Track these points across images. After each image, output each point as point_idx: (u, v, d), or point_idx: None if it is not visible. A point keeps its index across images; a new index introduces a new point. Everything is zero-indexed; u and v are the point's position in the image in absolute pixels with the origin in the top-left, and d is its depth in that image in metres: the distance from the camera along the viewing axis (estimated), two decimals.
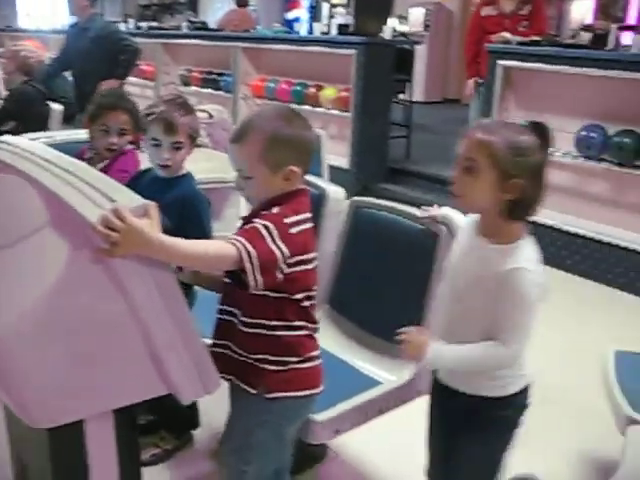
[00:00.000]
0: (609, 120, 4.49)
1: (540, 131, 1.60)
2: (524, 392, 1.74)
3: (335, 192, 2.51)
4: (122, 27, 10.11)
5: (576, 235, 4.63)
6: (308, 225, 1.68)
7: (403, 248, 2.22)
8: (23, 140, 2.07)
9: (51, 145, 3.43)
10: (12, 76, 4.98)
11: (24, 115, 4.76)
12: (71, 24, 5.80)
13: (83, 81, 5.40)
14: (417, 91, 8.98)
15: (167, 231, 1.46)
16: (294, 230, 1.61)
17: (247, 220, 1.65)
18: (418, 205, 2.24)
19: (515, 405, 1.74)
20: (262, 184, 1.67)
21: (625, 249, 4.41)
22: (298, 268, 1.63)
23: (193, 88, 8.46)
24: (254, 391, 1.72)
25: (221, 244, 1.53)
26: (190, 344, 1.52)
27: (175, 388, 1.53)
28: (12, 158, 1.81)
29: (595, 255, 4.57)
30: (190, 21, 8.56)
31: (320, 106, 6.54)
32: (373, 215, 2.37)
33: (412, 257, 2.19)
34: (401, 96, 7.41)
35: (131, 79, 9.94)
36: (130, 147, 2.68)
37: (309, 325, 1.74)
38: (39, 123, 4.85)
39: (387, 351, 2.17)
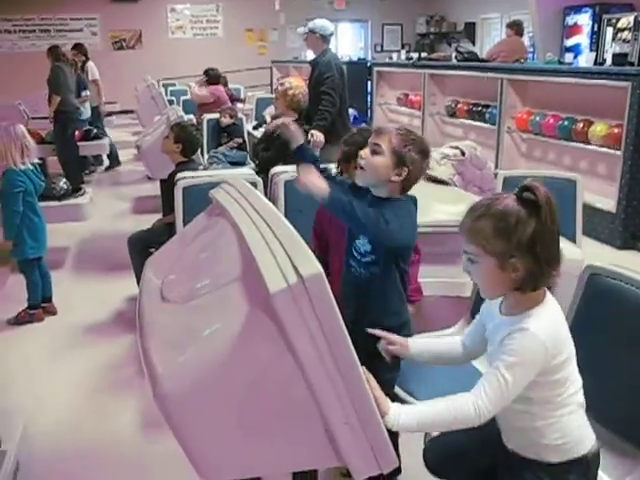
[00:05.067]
0: None
1: (532, 195, 1.56)
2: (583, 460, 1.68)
3: (571, 253, 2.24)
4: (395, 57, 10.39)
5: None
6: None
7: None
8: (244, 184, 2.11)
9: None
10: (285, 115, 5.14)
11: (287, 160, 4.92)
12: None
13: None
14: None
15: None
16: None
17: None
18: None
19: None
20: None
21: None
22: None
23: (459, 120, 8.42)
24: None
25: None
26: (366, 422, 1.43)
27: (348, 463, 1.45)
28: (230, 202, 1.87)
29: None
30: (458, 51, 8.47)
31: (589, 143, 6.09)
32: (612, 286, 2.04)
33: None
34: None
35: (399, 108, 10.25)
36: None
37: None
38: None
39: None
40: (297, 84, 5.04)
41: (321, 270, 1.41)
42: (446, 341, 1.92)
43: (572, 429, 1.68)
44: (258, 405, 1.39)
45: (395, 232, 2.05)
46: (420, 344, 1.86)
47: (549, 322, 1.61)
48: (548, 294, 1.66)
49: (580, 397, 1.70)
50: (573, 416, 1.69)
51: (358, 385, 1.43)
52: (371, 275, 2.24)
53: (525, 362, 1.55)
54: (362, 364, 1.50)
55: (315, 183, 1.95)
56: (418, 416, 1.57)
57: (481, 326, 1.81)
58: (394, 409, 1.53)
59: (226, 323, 1.44)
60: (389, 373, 2.11)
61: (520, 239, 1.54)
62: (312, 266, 1.43)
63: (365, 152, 2.20)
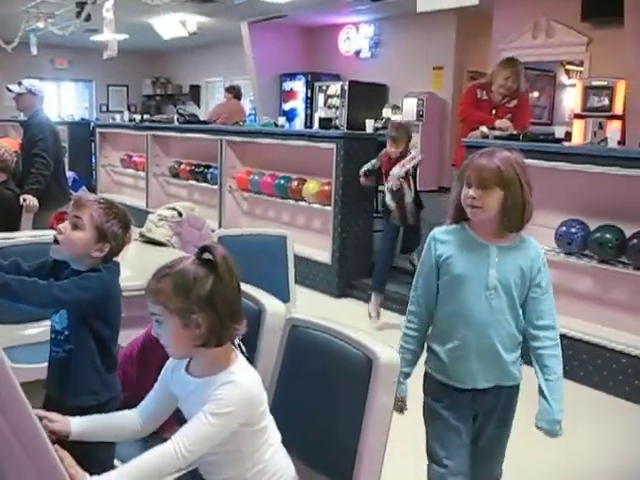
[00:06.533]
0: (590, 215, 4.37)
1: (209, 255, 1.63)
2: None
3: (274, 307, 2.33)
4: (117, 118, 10.31)
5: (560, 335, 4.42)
6: None
7: (338, 374, 2.04)
8: None
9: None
10: None
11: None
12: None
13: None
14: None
15: None
16: None
17: None
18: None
19: None
20: None
21: (614, 351, 4.21)
22: None
23: (183, 181, 8.57)
24: None
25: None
26: None
27: None
28: None
29: (582, 356, 4.35)
30: (180, 113, 8.63)
31: (304, 200, 6.49)
32: (309, 335, 2.18)
33: (346, 384, 2.00)
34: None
35: (123, 170, 10.15)
36: None
37: None
38: (14, 225, 4.77)
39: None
40: (3, 144, 4.81)
41: None
42: (119, 415, 1.85)
43: (276, 470, 1.78)
44: None
45: (58, 293, 2.00)
46: (86, 421, 1.78)
47: (250, 375, 1.70)
48: (236, 351, 1.74)
49: (278, 437, 1.81)
50: (276, 456, 1.78)
51: (46, 462, 1.37)
52: (67, 353, 2.13)
53: (233, 411, 1.60)
54: (72, 444, 1.44)
55: None
56: (119, 476, 1.53)
57: (162, 393, 1.81)
58: None
59: None
60: (104, 451, 2.02)
61: (199, 295, 1.60)
62: None
63: (64, 225, 2.09)
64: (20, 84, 5.40)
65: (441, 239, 2.22)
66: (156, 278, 1.64)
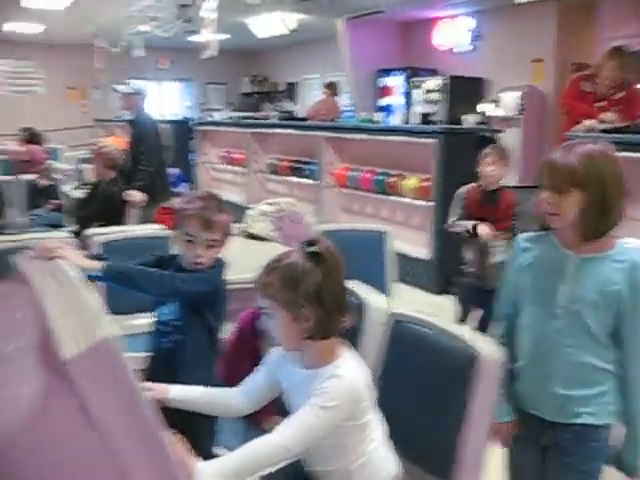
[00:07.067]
0: None
1: (316, 249, 1.65)
2: None
3: (377, 301, 2.33)
4: (216, 116, 10.52)
5: None
6: None
7: (440, 369, 2.02)
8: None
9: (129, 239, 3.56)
10: (103, 176, 5.10)
11: (107, 218, 4.85)
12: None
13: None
14: (510, 176, 8.71)
15: None
16: None
17: None
18: None
19: None
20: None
21: None
22: None
23: (282, 177, 8.68)
24: None
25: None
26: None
27: None
28: (29, 268, 1.79)
29: None
30: (279, 111, 8.75)
31: (402, 195, 6.45)
32: (412, 330, 2.17)
33: (449, 380, 1.98)
34: None
35: (222, 166, 10.35)
36: None
37: None
38: (118, 220, 4.96)
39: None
40: (111, 143, 5.12)
41: (116, 333, 1.39)
42: (222, 390, 1.90)
43: (379, 463, 1.79)
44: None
45: (179, 284, 2.09)
46: (186, 391, 1.84)
47: (357, 370, 1.71)
48: (343, 345, 1.75)
49: (381, 432, 1.82)
50: (380, 449, 1.80)
51: (160, 449, 1.40)
52: (174, 343, 2.20)
53: (338, 405, 1.61)
54: (175, 431, 1.49)
55: (76, 259, 1.86)
56: (226, 464, 1.57)
57: (266, 379, 1.84)
58: (201, 467, 1.51)
59: (20, 393, 1.38)
60: (206, 439, 2.11)
61: (307, 289, 1.62)
62: (107, 329, 1.41)
63: (207, 254, 2.16)
64: (127, 84, 5.64)
65: (523, 246, 2.02)
66: (265, 272, 1.67)
